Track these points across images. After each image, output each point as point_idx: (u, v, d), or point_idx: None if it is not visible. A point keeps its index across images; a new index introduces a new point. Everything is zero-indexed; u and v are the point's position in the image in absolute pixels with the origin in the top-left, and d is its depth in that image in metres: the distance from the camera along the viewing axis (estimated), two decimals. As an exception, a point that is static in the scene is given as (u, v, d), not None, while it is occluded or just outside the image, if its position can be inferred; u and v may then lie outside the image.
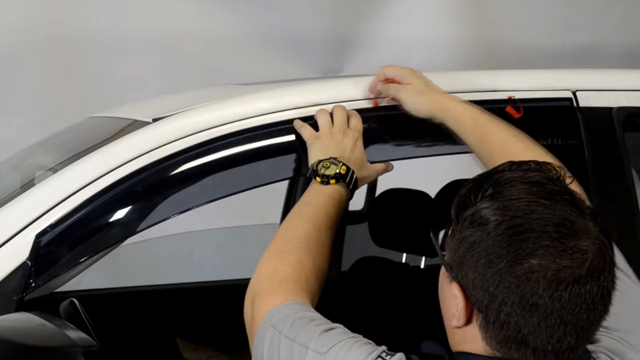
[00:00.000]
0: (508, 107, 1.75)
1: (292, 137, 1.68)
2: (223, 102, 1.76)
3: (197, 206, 1.65)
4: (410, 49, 4.32)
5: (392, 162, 1.73)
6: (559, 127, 1.82)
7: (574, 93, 1.85)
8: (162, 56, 4.06)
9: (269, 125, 1.68)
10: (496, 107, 1.74)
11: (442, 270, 1.24)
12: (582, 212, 1.14)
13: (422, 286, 2.57)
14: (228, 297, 2.88)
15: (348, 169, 1.58)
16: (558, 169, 1.20)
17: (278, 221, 3.05)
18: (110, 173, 1.59)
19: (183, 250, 3.74)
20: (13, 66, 3.86)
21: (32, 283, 1.52)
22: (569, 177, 1.21)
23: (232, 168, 1.67)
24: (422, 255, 2.82)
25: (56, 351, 1.34)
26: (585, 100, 1.84)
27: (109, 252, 1.70)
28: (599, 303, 1.13)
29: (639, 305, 1.33)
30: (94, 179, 1.58)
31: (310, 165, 1.60)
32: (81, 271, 1.80)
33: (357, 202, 3.02)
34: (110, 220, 1.60)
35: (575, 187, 1.22)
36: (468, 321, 1.17)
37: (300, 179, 2.91)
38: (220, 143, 1.65)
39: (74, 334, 1.38)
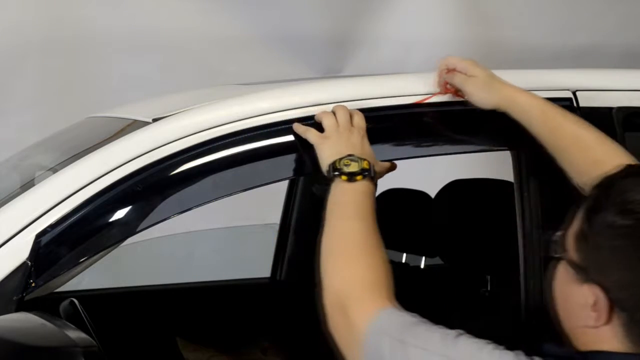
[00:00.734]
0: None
1: (292, 137, 1.68)
2: (223, 102, 1.76)
3: (197, 206, 1.65)
4: (410, 48, 4.32)
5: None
6: (559, 127, 1.82)
7: (574, 93, 1.85)
8: (162, 56, 4.06)
9: (269, 125, 1.68)
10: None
11: (564, 273, 1.27)
12: None
13: (422, 286, 2.57)
14: (228, 297, 2.89)
15: (369, 163, 1.57)
16: None
17: (278, 221, 3.06)
18: (110, 173, 1.59)
19: (183, 250, 3.74)
20: (13, 66, 3.86)
21: (32, 283, 1.52)
22: None
23: (232, 168, 1.67)
24: (422, 256, 2.82)
25: (56, 351, 1.34)
26: (585, 100, 1.84)
27: (109, 252, 1.70)
28: None
29: None
30: (94, 179, 1.58)
31: (327, 165, 1.58)
32: (81, 271, 1.80)
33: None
34: (110, 220, 1.60)
35: None
36: (608, 321, 1.21)
37: (301, 179, 2.92)
38: (220, 143, 1.65)
39: (74, 334, 1.38)
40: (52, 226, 1.54)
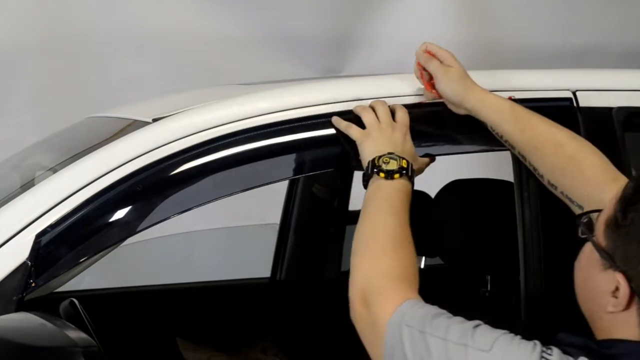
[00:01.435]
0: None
1: (291, 137, 1.68)
2: (223, 102, 1.76)
3: (197, 206, 1.65)
4: (410, 49, 4.29)
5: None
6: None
7: (574, 93, 1.85)
8: (162, 56, 4.06)
9: (269, 125, 1.67)
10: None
11: (589, 256, 1.31)
12: None
13: (422, 286, 2.57)
14: (228, 297, 2.89)
15: (408, 162, 1.58)
16: None
17: (278, 221, 3.06)
18: (110, 173, 1.59)
19: (183, 250, 3.74)
20: (13, 66, 3.86)
21: (32, 283, 1.52)
22: None
23: (232, 168, 1.67)
24: (422, 256, 2.82)
25: (56, 351, 1.34)
26: (585, 100, 1.84)
27: (109, 252, 1.70)
28: None
29: None
30: (94, 179, 1.58)
31: (367, 162, 1.59)
32: (81, 271, 1.80)
33: (357, 201, 3.02)
34: (110, 220, 1.60)
35: None
36: (626, 308, 1.25)
37: (301, 179, 2.92)
38: (220, 143, 1.65)
39: (74, 334, 1.38)
40: (52, 226, 1.54)
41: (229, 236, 3.86)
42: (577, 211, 1.55)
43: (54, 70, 3.93)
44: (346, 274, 1.45)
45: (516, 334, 1.26)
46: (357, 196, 1.73)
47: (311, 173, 2.63)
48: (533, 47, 4.43)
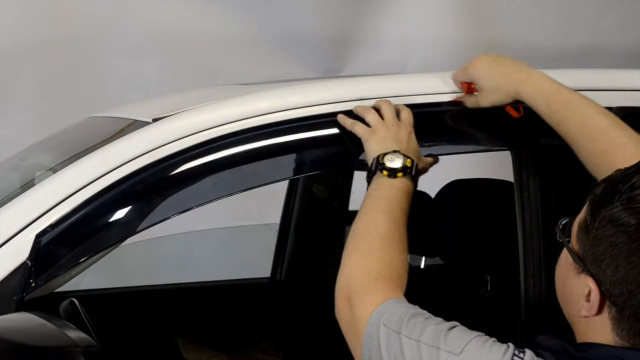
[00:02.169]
0: (507, 106, 1.75)
1: (291, 137, 1.68)
2: (223, 102, 1.76)
3: (197, 206, 1.65)
4: (410, 49, 4.32)
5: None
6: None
7: (573, 93, 1.85)
8: (162, 56, 4.06)
9: (269, 125, 1.68)
10: (496, 107, 1.74)
11: (566, 260, 1.29)
12: None
13: (422, 286, 2.57)
14: (228, 297, 2.89)
15: (412, 161, 1.58)
16: None
17: (278, 221, 3.06)
18: (110, 173, 1.59)
19: (183, 250, 3.74)
20: (13, 66, 3.86)
21: (32, 283, 1.52)
22: None
23: (232, 168, 1.67)
24: (422, 256, 2.83)
25: (56, 351, 1.34)
26: (585, 100, 1.84)
27: (109, 252, 1.70)
28: None
29: None
30: (94, 179, 1.58)
31: (372, 159, 1.59)
32: (81, 271, 1.80)
33: (357, 201, 3.02)
34: (110, 220, 1.60)
35: None
36: (598, 312, 1.24)
37: (301, 179, 2.92)
38: (220, 143, 1.65)
39: (74, 334, 1.38)
40: (52, 226, 1.54)
41: (229, 236, 3.86)
42: None
43: (54, 70, 3.93)
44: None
45: (516, 334, 1.27)
46: (357, 195, 1.73)
47: (311, 173, 2.63)
48: (533, 47, 4.42)
